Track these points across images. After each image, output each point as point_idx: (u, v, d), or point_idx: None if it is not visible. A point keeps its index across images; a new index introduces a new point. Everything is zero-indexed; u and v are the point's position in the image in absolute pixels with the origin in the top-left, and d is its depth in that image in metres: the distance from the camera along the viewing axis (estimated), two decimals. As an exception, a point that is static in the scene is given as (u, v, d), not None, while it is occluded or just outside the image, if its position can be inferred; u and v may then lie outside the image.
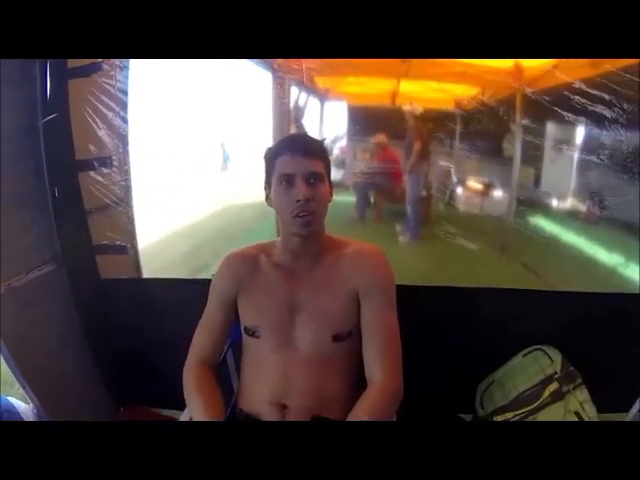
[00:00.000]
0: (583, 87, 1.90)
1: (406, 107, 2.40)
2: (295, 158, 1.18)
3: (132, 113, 1.74)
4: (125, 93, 1.71)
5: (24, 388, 1.59)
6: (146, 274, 1.93)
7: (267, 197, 1.26)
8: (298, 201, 1.17)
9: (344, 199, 2.47)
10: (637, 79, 1.79)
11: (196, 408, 1.19)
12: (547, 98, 1.96)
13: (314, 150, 1.22)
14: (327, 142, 2.60)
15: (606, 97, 1.83)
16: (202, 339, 1.32)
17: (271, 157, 1.23)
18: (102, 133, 1.71)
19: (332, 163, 2.61)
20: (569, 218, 2.32)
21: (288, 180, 1.19)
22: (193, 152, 2.17)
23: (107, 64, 1.68)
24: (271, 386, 1.25)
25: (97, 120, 1.69)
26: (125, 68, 1.69)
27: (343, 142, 2.59)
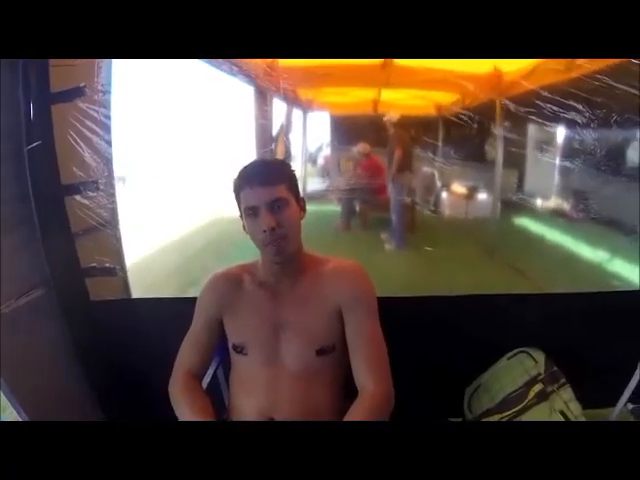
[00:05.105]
0: (561, 90, 1.94)
1: (386, 116, 2.43)
2: (255, 189, 1.19)
3: (116, 135, 1.76)
4: (108, 117, 1.73)
5: (18, 412, 1.61)
6: (135, 291, 1.94)
7: (243, 226, 1.28)
8: (264, 231, 1.19)
9: (329, 208, 2.50)
10: (612, 83, 1.83)
11: (188, 417, 1.21)
12: (526, 102, 1.99)
13: (273, 176, 1.22)
14: (311, 151, 2.65)
15: (584, 99, 1.86)
16: (188, 355, 1.35)
17: (236, 190, 1.25)
18: (87, 157, 1.72)
19: (316, 173, 2.68)
20: (553, 218, 2.36)
21: (253, 212, 1.21)
22: (178, 169, 2.19)
23: (89, 89, 1.70)
24: (259, 400, 1.28)
25: (81, 144, 1.71)
26: (107, 92, 1.71)
27: (327, 152, 2.62)
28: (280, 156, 2.32)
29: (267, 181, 1.20)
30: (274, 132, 2.32)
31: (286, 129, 2.42)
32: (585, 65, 1.88)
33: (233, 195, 1.27)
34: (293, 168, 1.31)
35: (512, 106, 2.01)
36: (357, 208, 2.56)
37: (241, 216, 1.27)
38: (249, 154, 2.26)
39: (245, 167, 1.27)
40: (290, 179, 1.27)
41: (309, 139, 2.61)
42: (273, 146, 2.30)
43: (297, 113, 2.50)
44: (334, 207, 2.52)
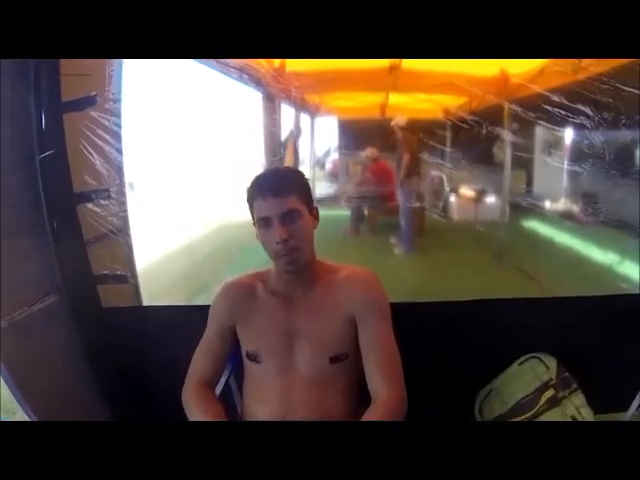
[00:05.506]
0: (568, 93, 1.94)
1: (393, 120, 2.43)
2: (267, 200, 1.19)
3: (127, 143, 1.77)
4: (119, 126, 1.74)
5: (29, 416, 1.62)
6: (145, 297, 1.96)
7: (257, 235, 1.27)
8: (277, 243, 1.20)
9: (338, 213, 2.51)
10: (619, 85, 1.83)
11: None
12: (533, 105, 1.99)
13: (285, 187, 1.22)
14: (319, 157, 2.66)
15: (592, 101, 1.86)
16: (201, 363, 1.35)
17: (249, 200, 1.25)
18: (98, 165, 1.74)
19: (325, 178, 2.68)
20: (562, 221, 2.36)
21: (265, 223, 1.21)
22: (188, 175, 2.20)
23: (100, 97, 1.72)
24: (273, 408, 1.28)
25: (93, 153, 1.72)
26: (118, 101, 1.73)
27: (335, 156, 2.63)
28: (289, 162, 2.33)
29: (279, 192, 1.20)
30: (283, 138, 2.33)
31: (295, 135, 2.42)
32: (591, 68, 1.89)
33: (247, 204, 1.27)
34: (307, 177, 1.31)
35: (519, 109, 2.02)
36: (366, 213, 2.56)
37: (254, 224, 1.27)
38: (258, 161, 2.27)
39: (258, 177, 1.27)
40: (303, 189, 1.27)
41: (317, 144, 2.61)
42: (282, 152, 2.31)
43: (305, 118, 2.51)
44: (343, 212, 2.52)
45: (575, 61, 1.94)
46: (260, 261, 1.38)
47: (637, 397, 1.70)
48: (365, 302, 1.29)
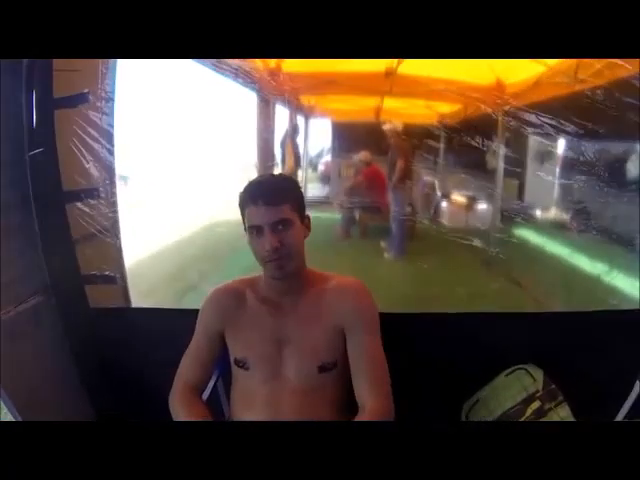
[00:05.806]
0: (562, 104, 1.95)
1: (388, 125, 2.43)
2: (259, 209, 1.19)
3: (118, 142, 1.75)
4: (111, 125, 1.72)
5: (15, 418, 1.60)
6: (134, 296, 1.94)
7: (248, 241, 1.27)
8: (267, 250, 1.20)
9: (329, 216, 2.50)
10: (614, 97, 1.84)
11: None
12: (527, 114, 2.00)
13: (278, 196, 1.21)
14: (312, 158, 2.66)
15: (586, 113, 1.87)
16: (188, 367, 1.35)
17: (241, 205, 1.25)
18: (89, 165, 1.72)
19: (317, 179, 2.67)
20: (552, 230, 2.38)
21: (257, 230, 1.21)
22: (180, 175, 2.19)
23: (93, 95, 1.70)
24: (260, 415, 1.28)
25: (84, 151, 1.70)
26: (111, 99, 1.71)
27: (328, 159, 2.63)
28: (289, 162, 2.32)
29: (272, 201, 1.20)
30: (278, 142, 2.32)
31: (292, 134, 2.42)
32: (587, 79, 1.90)
33: (238, 209, 1.26)
34: (300, 185, 1.31)
35: (514, 118, 2.02)
36: (357, 216, 2.56)
37: (245, 230, 1.26)
38: (250, 162, 2.26)
39: (251, 183, 1.26)
40: (296, 198, 1.26)
41: (311, 145, 2.61)
42: (282, 152, 2.31)
43: (300, 120, 2.50)
44: (334, 214, 2.52)
45: (570, 73, 1.95)
46: (248, 261, 1.36)
47: (622, 410, 1.71)
48: (353, 313, 1.29)
